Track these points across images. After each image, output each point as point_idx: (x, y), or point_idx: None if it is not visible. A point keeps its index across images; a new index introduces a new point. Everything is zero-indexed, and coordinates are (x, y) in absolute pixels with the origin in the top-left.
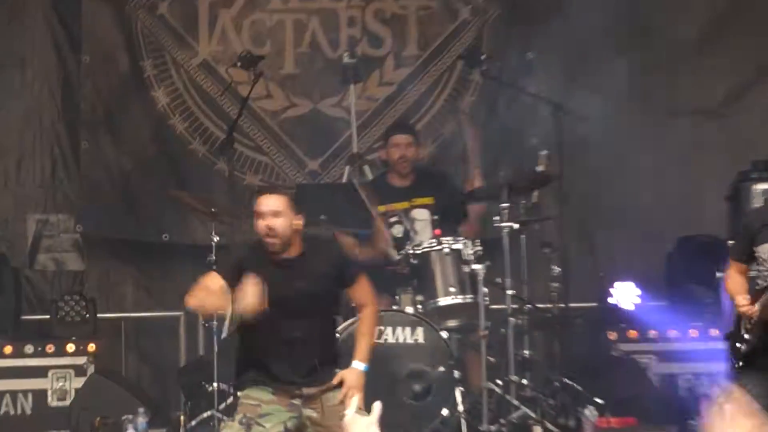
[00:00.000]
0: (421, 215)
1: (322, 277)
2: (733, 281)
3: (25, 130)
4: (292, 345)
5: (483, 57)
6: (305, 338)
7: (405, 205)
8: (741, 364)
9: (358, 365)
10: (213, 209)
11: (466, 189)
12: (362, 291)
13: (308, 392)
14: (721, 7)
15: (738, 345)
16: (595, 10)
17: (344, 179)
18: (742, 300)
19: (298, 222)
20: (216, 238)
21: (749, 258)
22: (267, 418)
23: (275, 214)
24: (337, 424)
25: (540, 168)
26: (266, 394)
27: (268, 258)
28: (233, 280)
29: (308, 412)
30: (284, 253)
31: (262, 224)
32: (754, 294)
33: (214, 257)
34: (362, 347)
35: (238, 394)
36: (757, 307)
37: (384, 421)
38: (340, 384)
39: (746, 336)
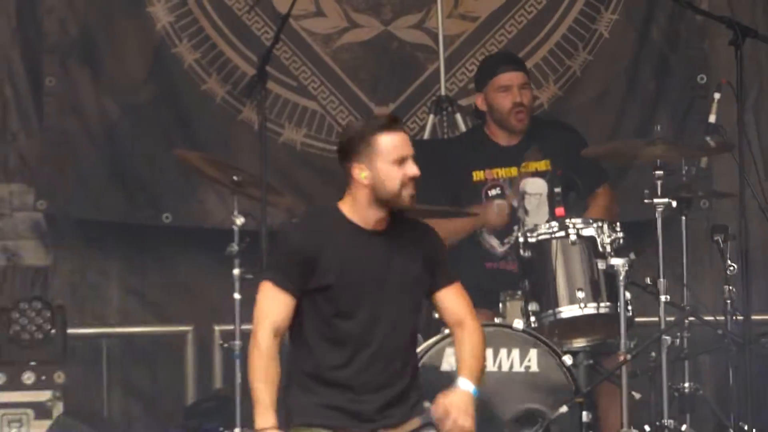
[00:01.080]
0: (536, 187)
1: (415, 262)
2: None
3: None
4: (378, 360)
5: None
6: (392, 350)
7: (512, 172)
8: None
9: (467, 385)
10: (235, 177)
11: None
12: (460, 299)
13: None
14: None
15: None
16: None
17: (427, 134)
18: None
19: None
20: (240, 220)
21: None
22: None
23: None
24: None
25: (712, 119)
26: None
27: (344, 230)
28: (301, 281)
29: None
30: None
31: (404, 174)
32: None
33: (236, 247)
34: (471, 365)
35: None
36: None
37: None
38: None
39: None
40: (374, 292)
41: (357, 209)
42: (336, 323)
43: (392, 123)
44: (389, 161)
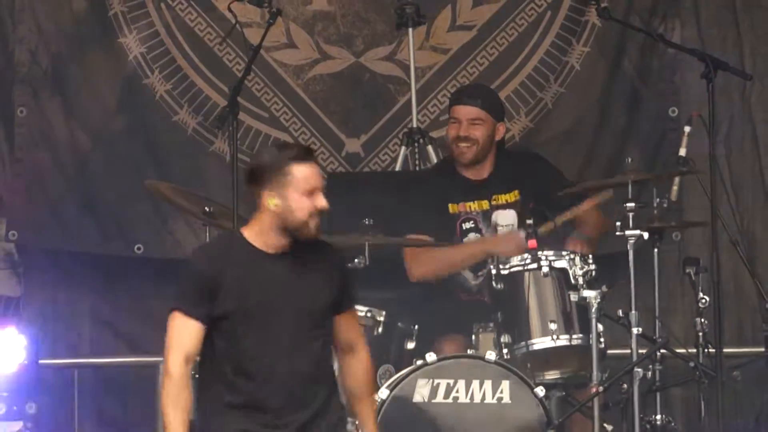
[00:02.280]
0: (507, 218)
1: (321, 282)
2: None
3: None
4: (287, 382)
5: None
6: (301, 372)
7: (483, 205)
8: None
9: None
10: (207, 208)
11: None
12: (356, 324)
13: None
14: None
15: None
16: None
17: (398, 166)
18: None
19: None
20: None
21: None
22: None
23: None
24: None
25: (682, 151)
26: None
27: (247, 255)
28: (208, 307)
29: None
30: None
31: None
32: None
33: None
34: (373, 420)
35: None
36: None
37: None
38: None
39: None
40: (278, 315)
41: (261, 234)
42: (242, 347)
43: (306, 154)
44: (300, 192)
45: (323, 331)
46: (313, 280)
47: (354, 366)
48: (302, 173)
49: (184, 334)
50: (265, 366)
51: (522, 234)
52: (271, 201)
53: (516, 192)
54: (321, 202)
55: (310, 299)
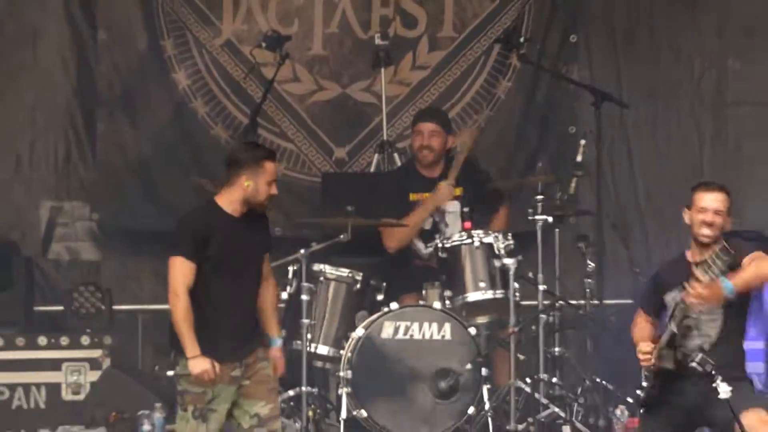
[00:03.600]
0: (452, 207)
1: (261, 236)
2: (639, 327)
3: (37, 109)
4: (240, 309)
5: (522, 40)
6: (250, 295)
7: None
8: (643, 410)
9: (279, 342)
10: None
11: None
12: (268, 261)
13: (246, 362)
14: None
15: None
16: None
17: (373, 168)
18: (645, 347)
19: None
20: None
21: (657, 310)
22: (216, 402)
23: None
24: (265, 393)
25: (578, 159)
26: (224, 376)
27: (223, 217)
28: (199, 254)
29: (245, 381)
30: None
31: (270, 191)
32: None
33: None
34: (276, 322)
35: (179, 365)
36: (652, 359)
37: (408, 420)
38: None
39: (644, 383)
40: (240, 258)
41: (231, 203)
42: (217, 278)
43: (273, 155)
44: (266, 180)
45: (260, 270)
46: (260, 237)
47: (267, 289)
48: (270, 168)
49: (187, 272)
50: (236, 296)
51: (449, 187)
52: (246, 183)
53: (461, 189)
54: (275, 189)
55: (259, 250)
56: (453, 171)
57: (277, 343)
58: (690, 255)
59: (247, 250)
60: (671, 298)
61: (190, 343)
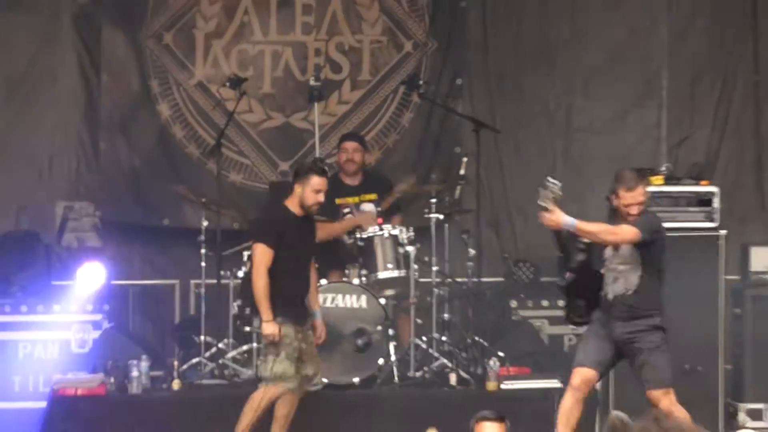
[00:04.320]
0: (368, 208)
1: (314, 233)
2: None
3: (55, 134)
4: (304, 285)
5: (421, 82)
6: (307, 281)
7: (355, 199)
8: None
9: (319, 314)
10: (203, 200)
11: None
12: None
13: (305, 329)
14: (617, 40)
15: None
16: (511, 47)
17: None
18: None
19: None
20: (205, 223)
21: None
22: (298, 352)
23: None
24: (312, 356)
25: (462, 171)
26: (290, 335)
27: (291, 216)
28: (277, 243)
29: (302, 345)
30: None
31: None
32: None
33: (203, 237)
34: (317, 299)
35: (278, 321)
36: None
37: (335, 369)
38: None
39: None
40: (304, 249)
41: (294, 206)
42: (289, 265)
43: (321, 171)
44: (311, 190)
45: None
46: (310, 233)
47: (312, 273)
48: (315, 181)
49: (267, 256)
50: (299, 275)
51: (374, 214)
52: (298, 190)
53: (374, 195)
54: (320, 198)
55: (312, 242)
56: (385, 203)
57: (318, 315)
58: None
59: (306, 241)
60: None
61: (266, 311)
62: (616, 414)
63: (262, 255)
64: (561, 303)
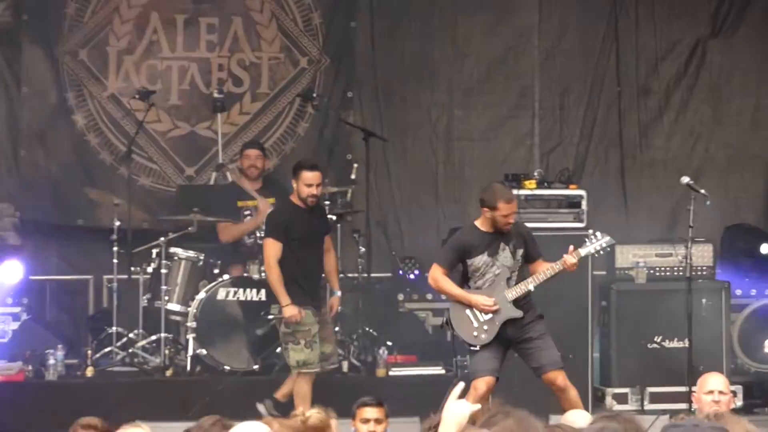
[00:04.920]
0: (267, 210)
1: (321, 222)
2: (447, 280)
3: None
4: (314, 272)
5: (315, 95)
6: (318, 267)
7: (256, 203)
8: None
9: (338, 293)
10: (116, 202)
11: None
12: (330, 239)
13: (321, 311)
14: (493, 57)
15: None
16: (396, 63)
17: (212, 182)
18: (489, 301)
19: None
20: (117, 223)
21: (454, 266)
22: (316, 336)
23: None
24: (329, 335)
25: (353, 176)
26: (310, 317)
27: (296, 209)
28: (285, 236)
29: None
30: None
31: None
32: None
33: (115, 236)
34: (336, 280)
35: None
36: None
37: (235, 355)
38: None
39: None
40: (309, 239)
41: (297, 201)
42: (297, 254)
43: (310, 166)
44: (303, 184)
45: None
46: (317, 222)
47: (330, 258)
48: (305, 175)
49: (276, 249)
50: (310, 261)
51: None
52: (294, 185)
53: (274, 198)
54: (312, 191)
55: (320, 231)
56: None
57: (337, 294)
58: (484, 228)
59: (312, 231)
60: (482, 261)
61: (283, 296)
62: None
63: (270, 248)
64: (444, 297)
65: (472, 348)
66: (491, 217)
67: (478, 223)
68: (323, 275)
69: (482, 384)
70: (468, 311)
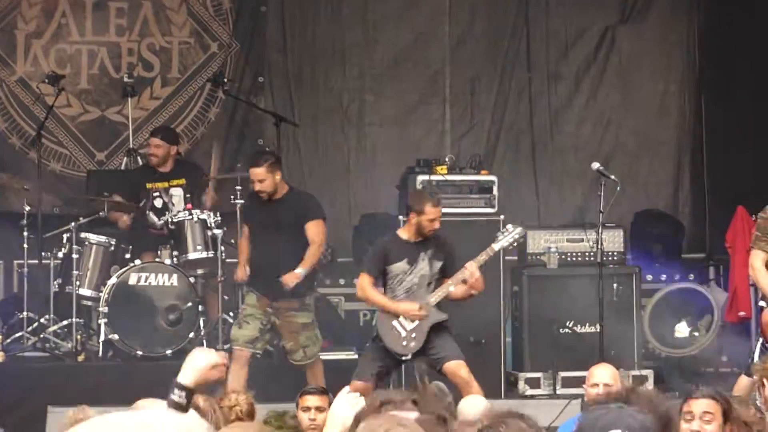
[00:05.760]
0: (177, 193)
1: (283, 214)
2: (374, 291)
3: None
4: (270, 262)
5: (226, 80)
6: (276, 258)
7: (165, 185)
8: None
9: (300, 271)
10: (25, 187)
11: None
12: (310, 230)
13: (277, 306)
14: (404, 43)
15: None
16: (308, 48)
17: (123, 166)
18: (415, 306)
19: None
20: (27, 207)
21: (380, 274)
22: (249, 318)
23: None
24: (288, 334)
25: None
26: (251, 299)
27: (258, 201)
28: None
29: (277, 320)
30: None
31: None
32: None
33: (25, 221)
34: (306, 263)
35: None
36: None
37: (148, 341)
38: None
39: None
40: (264, 228)
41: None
42: (256, 241)
43: (254, 163)
44: (252, 180)
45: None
46: (277, 214)
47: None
48: (252, 171)
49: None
50: (259, 249)
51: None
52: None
53: (183, 180)
54: (256, 186)
55: (275, 222)
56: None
57: (299, 271)
58: (405, 237)
59: (266, 222)
60: (400, 268)
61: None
62: (436, 383)
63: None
64: (356, 281)
65: (403, 358)
66: (417, 223)
67: (399, 232)
68: (279, 268)
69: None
70: (395, 322)
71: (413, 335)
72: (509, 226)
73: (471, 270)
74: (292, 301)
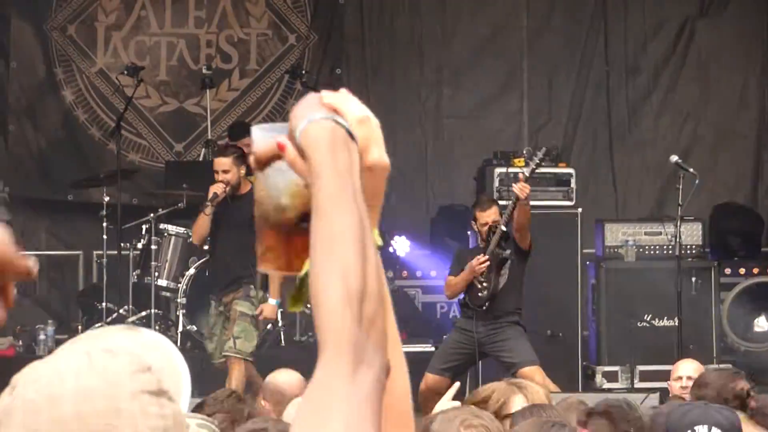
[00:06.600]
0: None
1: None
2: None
3: None
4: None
5: (303, 72)
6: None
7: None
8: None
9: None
10: (102, 176)
11: None
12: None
13: (225, 300)
14: (482, 36)
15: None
16: (385, 40)
17: (201, 158)
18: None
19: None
20: (106, 198)
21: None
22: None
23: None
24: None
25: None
26: (211, 309)
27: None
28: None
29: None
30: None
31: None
32: None
33: (105, 212)
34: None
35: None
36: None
37: None
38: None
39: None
40: (224, 224)
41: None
42: (213, 241)
43: (219, 153)
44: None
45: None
46: (238, 210)
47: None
48: (215, 161)
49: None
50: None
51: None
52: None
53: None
54: (219, 176)
55: (233, 220)
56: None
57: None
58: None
59: (226, 219)
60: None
61: None
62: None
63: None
64: (433, 272)
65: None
66: (477, 229)
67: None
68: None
69: (427, 379)
70: (474, 282)
71: (484, 284)
72: (532, 150)
73: (516, 190)
74: (239, 290)
